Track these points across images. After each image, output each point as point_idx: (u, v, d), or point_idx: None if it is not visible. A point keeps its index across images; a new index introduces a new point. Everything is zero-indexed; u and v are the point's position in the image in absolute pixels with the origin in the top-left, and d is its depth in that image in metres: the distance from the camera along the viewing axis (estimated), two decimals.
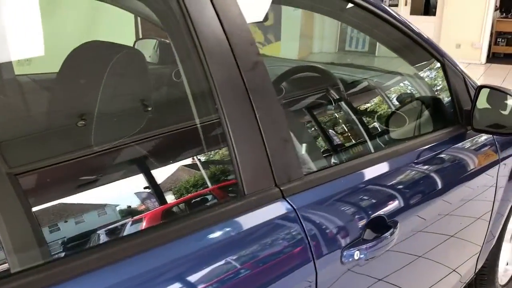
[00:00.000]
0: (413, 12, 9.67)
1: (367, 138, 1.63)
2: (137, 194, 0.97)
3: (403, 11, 9.62)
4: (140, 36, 4.27)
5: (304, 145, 1.35)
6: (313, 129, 1.64)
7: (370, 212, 1.17)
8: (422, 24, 9.45)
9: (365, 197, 1.19)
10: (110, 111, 1.09)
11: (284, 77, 1.90)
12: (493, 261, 2.16)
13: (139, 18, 5.66)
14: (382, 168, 1.30)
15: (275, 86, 1.85)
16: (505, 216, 2.07)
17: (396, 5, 9.74)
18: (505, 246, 2.26)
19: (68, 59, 1.17)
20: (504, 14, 10.09)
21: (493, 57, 9.68)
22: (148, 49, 2.81)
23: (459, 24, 9.04)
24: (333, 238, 1.05)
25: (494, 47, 9.86)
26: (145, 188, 0.98)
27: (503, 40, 9.89)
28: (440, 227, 1.55)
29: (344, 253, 1.06)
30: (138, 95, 1.13)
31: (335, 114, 1.83)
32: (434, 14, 9.53)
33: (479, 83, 1.76)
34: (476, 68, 8.74)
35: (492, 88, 1.59)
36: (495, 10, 9.53)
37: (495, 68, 8.81)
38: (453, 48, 9.24)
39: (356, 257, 1.07)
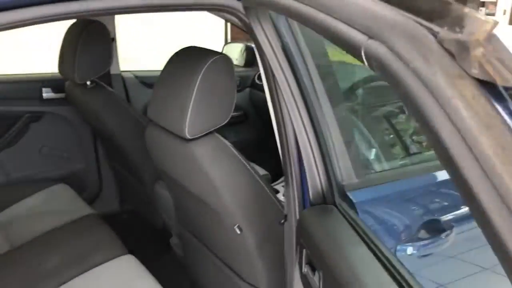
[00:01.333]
0: None
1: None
2: None
3: (501, 21, 9.13)
4: (229, 40, 4.54)
5: (369, 147, 1.45)
6: (383, 134, 1.73)
7: (427, 214, 1.25)
8: None
9: (423, 199, 1.28)
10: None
11: (361, 84, 1.99)
12: None
13: (228, 23, 5.97)
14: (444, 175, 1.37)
15: (351, 92, 1.96)
16: None
17: (493, 15, 9.26)
18: None
19: (169, 62, 1.37)
20: None
21: None
22: (235, 52, 3.04)
23: None
24: (389, 232, 1.16)
25: None
26: None
27: None
28: None
29: (398, 248, 1.16)
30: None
31: (405, 123, 1.89)
32: None
33: None
34: None
35: None
36: None
37: None
38: None
39: (409, 252, 1.17)
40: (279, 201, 1.38)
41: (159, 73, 2.62)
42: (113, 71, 2.35)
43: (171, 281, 1.54)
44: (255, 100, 2.76)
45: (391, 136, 1.76)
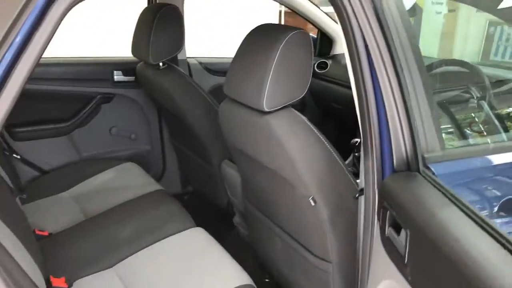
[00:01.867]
0: None
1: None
2: None
3: None
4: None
5: (449, 122, 1.44)
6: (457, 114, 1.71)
7: (507, 192, 1.23)
8: None
9: (504, 178, 1.26)
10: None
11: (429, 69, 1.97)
12: None
13: (282, 14, 5.99)
14: None
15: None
16: None
17: None
18: None
19: (246, 39, 1.41)
20: None
21: None
22: None
23: None
24: None
25: None
26: None
27: None
28: None
29: None
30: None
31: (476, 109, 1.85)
32: None
33: None
34: None
35: None
36: None
37: None
38: None
39: None
40: (352, 176, 1.39)
41: (222, 60, 2.70)
42: (179, 56, 2.43)
43: (235, 259, 1.58)
44: (313, 88, 2.77)
45: (465, 117, 1.74)
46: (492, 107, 1.88)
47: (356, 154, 2.09)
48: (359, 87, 1.14)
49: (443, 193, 0.93)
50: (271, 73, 1.24)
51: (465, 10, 4.63)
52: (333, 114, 2.77)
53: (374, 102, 1.10)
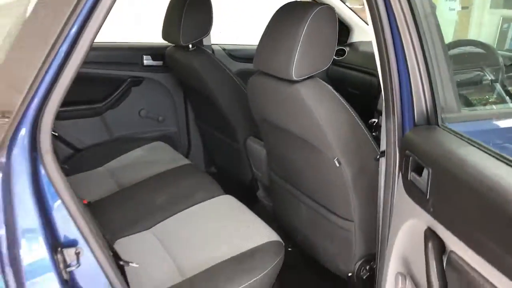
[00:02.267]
0: None
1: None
2: None
3: None
4: None
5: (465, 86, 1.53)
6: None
7: None
8: None
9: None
10: None
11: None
12: None
13: None
14: None
15: None
16: None
17: None
18: None
19: (274, 15, 1.52)
20: None
21: None
22: None
23: None
24: None
25: None
26: None
27: None
28: None
29: None
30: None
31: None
32: None
33: None
34: None
35: None
36: None
37: None
38: None
39: None
40: (373, 139, 1.50)
41: (245, 47, 2.81)
42: (205, 42, 2.56)
43: None
44: (331, 74, 2.88)
45: (479, 99, 1.83)
46: (505, 88, 1.97)
47: (374, 134, 2.20)
48: (381, 49, 1.22)
49: (462, 139, 1.03)
50: (299, 44, 1.36)
51: (479, 6, 4.69)
52: (350, 99, 2.87)
53: (395, 63, 1.20)
